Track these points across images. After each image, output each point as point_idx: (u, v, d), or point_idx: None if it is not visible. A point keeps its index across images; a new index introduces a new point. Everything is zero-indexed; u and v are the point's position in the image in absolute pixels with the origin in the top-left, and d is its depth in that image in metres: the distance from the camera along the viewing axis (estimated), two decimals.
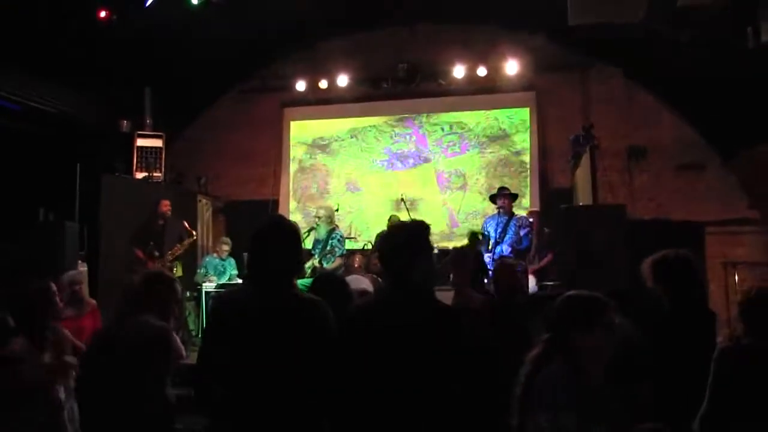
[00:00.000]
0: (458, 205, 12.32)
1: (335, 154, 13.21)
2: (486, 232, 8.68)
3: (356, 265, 10.23)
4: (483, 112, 12.48)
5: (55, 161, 10.22)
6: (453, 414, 2.96)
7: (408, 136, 12.89)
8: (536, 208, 11.00)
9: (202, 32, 10.28)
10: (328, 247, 8.68)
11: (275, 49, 12.18)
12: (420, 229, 3.27)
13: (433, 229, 3.50)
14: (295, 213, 13.12)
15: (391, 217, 11.07)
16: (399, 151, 12.86)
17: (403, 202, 10.15)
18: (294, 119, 13.49)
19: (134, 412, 3.63)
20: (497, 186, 9.87)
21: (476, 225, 9.61)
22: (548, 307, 3.16)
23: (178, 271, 9.49)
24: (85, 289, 6.60)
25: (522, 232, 8.50)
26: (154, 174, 11.43)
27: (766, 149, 9.64)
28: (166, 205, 9.70)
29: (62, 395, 4.19)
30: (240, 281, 10.01)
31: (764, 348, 3.29)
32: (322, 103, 13.15)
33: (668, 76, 10.50)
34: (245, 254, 9.78)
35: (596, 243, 7.22)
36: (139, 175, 11.42)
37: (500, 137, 12.35)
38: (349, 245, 9.55)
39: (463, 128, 12.57)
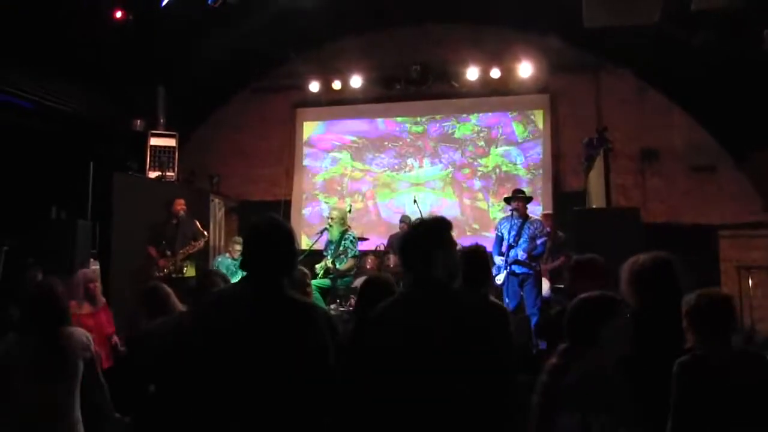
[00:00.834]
0: (472, 206, 12.30)
1: (351, 156, 13.23)
2: (500, 234, 8.67)
3: (369, 266, 10.25)
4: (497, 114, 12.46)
5: (68, 159, 10.26)
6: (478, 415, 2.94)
7: (420, 137, 12.89)
8: (549, 211, 10.97)
9: (215, 32, 10.30)
10: (341, 248, 8.70)
11: (288, 49, 12.18)
12: (440, 223, 3.24)
13: None
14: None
15: (403, 217, 11.09)
16: (412, 153, 12.84)
17: (416, 203, 10.14)
18: (306, 120, 13.50)
19: None
20: (509, 188, 9.88)
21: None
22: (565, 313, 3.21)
23: (189, 271, 9.50)
24: (99, 287, 6.64)
25: (538, 241, 8.48)
26: (167, 173, 11.46)
27: None
28: (180, 204, 9.69)
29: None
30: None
31: (717, 357, 3.21)
32: (335, 103, 13.17)
33: (681, 78, 10.47)
34: None
35: (609, 246, 7.19)
36: (152, 174, 11.45)
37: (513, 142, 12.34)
38: (361, 246, 9.58)
39: (475, 130, 12.55)
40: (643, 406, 3.09)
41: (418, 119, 12.89)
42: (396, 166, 12.95)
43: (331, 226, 8.86)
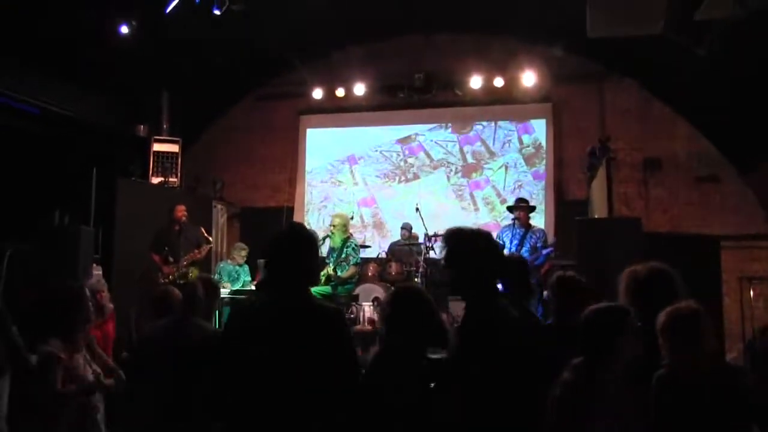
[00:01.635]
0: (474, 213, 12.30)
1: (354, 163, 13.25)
2: (501, 242, 8.66)
3: (370, 274, 10.24)
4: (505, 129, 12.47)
5: (71, 165, 10.28)
6: None
7: (423, 145, 12.91)
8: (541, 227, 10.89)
9: (220, 38, 10.32)
10: (343, 255, 8.72)
11: (292, 56, 12.19)
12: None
13: None
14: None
15: (404, 224, 11.08)
16: (414, 161, 12.86)
17: (418, 211, 10.14)
18: (310, 127, 13.50)
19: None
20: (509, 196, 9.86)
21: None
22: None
23: (193, 277, 9.50)
24: (106, 296, 6.64)
25: (544, 252, 8.47)
26: (170, 179, 11.49)
27: None
28: (181, 211, 9.69)
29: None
30: (253, 288, 10.01)
31: (687, 371, 3.21)
32: (339, 111, 13.17)
33: (685, 88, 10.46)
34: (259, 261, 9.85)
35: (611, 256, 7.19)
36: (155, 180, 11.48)
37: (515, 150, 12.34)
38: (363, 254, 9.57)
39: (478, 138, 12.55)
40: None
41: (422, 127, 12.87)
42: (398, 174, 12.94)
43: (333, 233, 8.87)
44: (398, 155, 12.98)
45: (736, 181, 10.91)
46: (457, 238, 3.29)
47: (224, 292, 9.82)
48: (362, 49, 12.52)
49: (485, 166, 12.47)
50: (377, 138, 13.14)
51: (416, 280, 9.79)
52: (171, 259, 9.44)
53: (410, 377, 3.20)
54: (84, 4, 8.94)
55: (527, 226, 8.63)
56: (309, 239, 3.14)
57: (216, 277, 10.42)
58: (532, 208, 8.91)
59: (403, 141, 12.97)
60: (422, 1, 11.10)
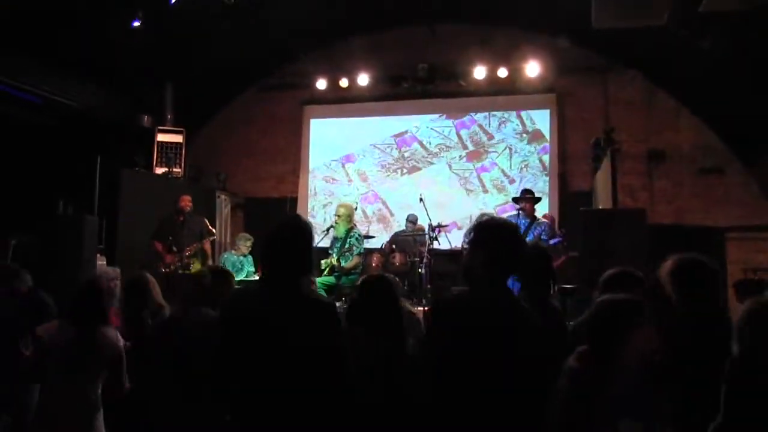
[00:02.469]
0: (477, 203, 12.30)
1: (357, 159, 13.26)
2: None
3: (374, 265, 10.23)
4: (504, 113, 12.46)
5: (75, 155, 10.28)
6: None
7: (416, 136, 12.94)
8: (549, 214, 10.90)
9: (224, 29, 10.31)
10: (347, 246, 8.72)
11: (296, 47, 12.18)
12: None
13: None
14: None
15: (409, 215, 11.09)
16: (418, 151, 12.86)
17: (421, 202, 10.12)
18: (314, 117, 13.50)
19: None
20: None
21: None
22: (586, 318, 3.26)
23: (196, 267, 9.51)
24: (118, 285, 6.66)
25: (552, 242, 8.47)
26: (174, 169, 11.49)
27: None
28: (185, 201, 9.70)
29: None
30: (258, 278, 10.03)
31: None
32: (342, 101, 13.17)
33: (689, 79, 10.45)
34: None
35: (616, 247, 7.19)
36: (159, 171, 11.50)
37: (521, 139, 12.34)
38: (367, 244, 9.57)
39: (482, 129, 12.54)
40: (684, 406, 3.14)
41: (426, 117, 12.87)
42: (399, 167, 12.96)
43: (337, 223, 8.87)
44: (394, 148, 13.00)
45: (741, 173, 10.90)
46: (483, 225, 3.24)
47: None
48: (366, 40, 12.49)
49: (490, 150, 12.47)
50: (375, 134, 13.15)
51: (420, 270, 9.80)
52: (174, 249, 9.45)
53: (375, 366, 3.25)
54: None
55: (532, 218, 8.62)
56: (303, 231, 3.13)
57: None
58: (538, 200, 8.90)
59: (398, 135, 13.00)
60: None
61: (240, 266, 10.33)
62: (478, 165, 12.51)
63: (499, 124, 12.48)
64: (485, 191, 12.42)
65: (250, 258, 10.54)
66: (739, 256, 10.18)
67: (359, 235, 8.98)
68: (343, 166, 13.29)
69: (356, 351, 3.28)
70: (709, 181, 11.08)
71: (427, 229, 10.01)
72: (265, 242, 3.17)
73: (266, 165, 13.52)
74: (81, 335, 4.17)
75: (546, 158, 12.10)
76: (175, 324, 4.23)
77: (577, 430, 3.05)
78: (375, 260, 10.37)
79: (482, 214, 3.22)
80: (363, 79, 12.45)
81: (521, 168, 12.23)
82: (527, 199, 8.70)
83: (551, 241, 8.52)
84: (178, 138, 11.78)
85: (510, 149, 12.35)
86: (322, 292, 8.07)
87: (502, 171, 12.37)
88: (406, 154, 12.93)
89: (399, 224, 12.16)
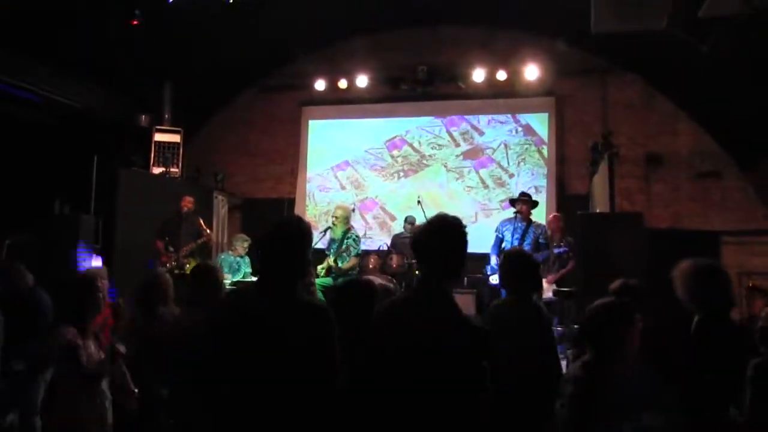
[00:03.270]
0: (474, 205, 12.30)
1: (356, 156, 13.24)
2: (501, 235, 8.66)
3: (371, 266, 10.24)
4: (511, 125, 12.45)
5: (72, 154, 10.28)
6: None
7: (405, 139, 12.94)
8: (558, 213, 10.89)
9: (223, 29, 10.31)
10: (344, 247, 8.73)
11: (295, 47, 12.18)
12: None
13: None
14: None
15: (407, 217, 11.08)
16: (417, 153, 12.85)
17: (419, 204, 10.12)
18: (313, 118, 13.49)
19: None
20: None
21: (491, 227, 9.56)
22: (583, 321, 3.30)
23: (190, 267, 9.51)
24: (106, 284, 6.67)
25: (557, 251, 8.48)
26: (171, 169, 11.49)
27: None
28: (185, 201, 9.73)
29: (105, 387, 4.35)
30: (254, 280, 10.01)
31: None
32: (341, 102, 13.16)
33: (688, 84, 10.46)
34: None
35: (613, 250, 7.21)
36: (157, 170, 11.48)
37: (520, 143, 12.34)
38: (364, 246, 9.58)
39: (480, 131, 12.54)
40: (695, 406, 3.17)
41: (424, 119, 12.86)
42: (395, 171, 12.95)
43: (335, 225, 8.88)
44: (386, 153, 13.00)
45: (737, 177, 10.92)
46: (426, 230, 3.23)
47: (225, 283, 9.83)
48: (365, 41, 12.49)
49: (484, 146, 12.48)
50: (372, 138, 13.13)
51: (417, 272, 9.79)
52: (171, 248, 9.47)
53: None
54: None
55: (528, 221, 8.62)
56: (301, 232, 3.12)
57: None
58: (535, 204, 8.88)
59: (389, 139, 13.02)
60: None
61: (237, 267, 10.31)
62: (475, 162, 12.50)
63: (489, 121, 12.49)
64: (485, 187, 12.38)
65: (247, 259, 10.52)
66: (735, 260, 10.19)
67: (356, 237, 8.99)
68: (336, 176, 13.28)
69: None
70: (706, 185, 11.08)
71: None
72: (261, 243, 3.16)
73: (264, 166, 13.51)
74: (83, 333, 4.21)
75: (545, 150, 12.10)
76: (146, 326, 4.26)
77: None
78: (372, 262, 10.38)
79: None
80: (362, 81, 12.44)
81: (519, 162, 12.22)
82: (524, 201, 8.69)
83: (556, 251, 8.52)
84: (175, 138, 11.77)
85: (505, 145, 12.35)
86: (320, 294, 8.07)
87: (500, 165, 12.35)
88: (399, 159, 12.91)
89: (401, 228, 12.17)
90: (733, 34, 7.55)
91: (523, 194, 8.95)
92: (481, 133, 12.53)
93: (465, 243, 3.10)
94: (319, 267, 8.67)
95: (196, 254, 9.72)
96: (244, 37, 10.78)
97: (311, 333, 2.94)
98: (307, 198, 13.34)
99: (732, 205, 10.88)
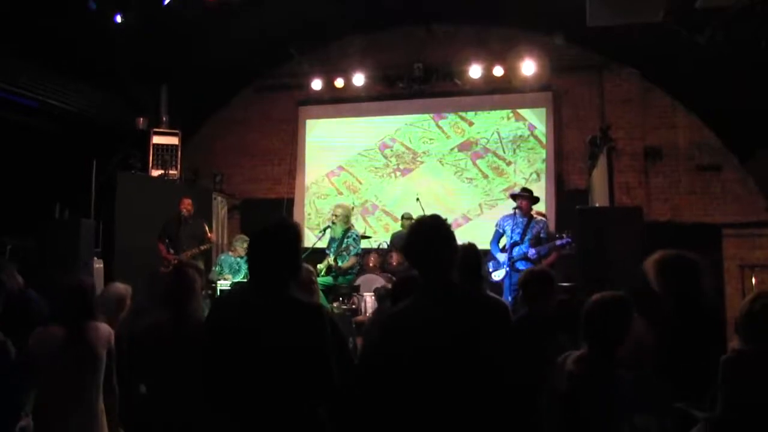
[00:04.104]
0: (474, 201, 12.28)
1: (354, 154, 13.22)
2: (501, 231, 8.64)
3: (371, 265, 10.24)
4: (501, 112, 12.43)
5: (71, 158, 10.26)
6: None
7: (395, 138, 12.92)
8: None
9: (219, 30, 10.31)
10: (344, 246, 8.72)
11: (291, 47, 12.17)
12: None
13: None
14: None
15: (404, 214, 11.06)
16: (414, 151, 12.83)
17: (418, 201, 10.12)
18: (309, 118, 13.48)
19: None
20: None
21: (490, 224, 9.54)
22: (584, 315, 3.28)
23: None
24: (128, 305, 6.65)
25: (559, 243, 8.44)
26: (170, 171, 11.48)
27: None
28: (183, 204, 9.74)
29: None
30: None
31: (761, 357, 3.24)
32: (338, 101, 13.14)
33: (686, 77, 10.44)
34: None
35: (612, 245, 7.21)
36: (155, 173, 11.47)
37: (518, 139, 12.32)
38: (364, 244, 9.57)
39: (478, 128, 12.53)
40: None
41: (431, 120, 12.81)
42: (393, 168, 12.92)
43: (334, 223, 8.88)
44: (379, 154, 12.97)
45: (737, 170, 10.90)
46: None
47: (225, 284, 9.84)
48: (361, 39, 12.47)
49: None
50: (369, 138, 13.09)
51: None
52: (171, 251, 9.49)
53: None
54: None
55: (529, 216, 8.60)
56: (289, 232, 3.13)
57: (217, 268, 10.44)
58: (536, 200, 8.84)
59: (404, 130, 12.92)
60: None
61: (237, 268, 10.31)
62: (470, 153, 12.47)
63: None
64: (485, 177, 12.34)
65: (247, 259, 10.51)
66: (736, 252, 10.20)
67: (356, 236, 8.99)
68: (331, 182, 13.26)
69: None
70: (705, 178, 11.07)
71: None
72: (249, 245, 3.19)
73: (263, 166, 13.50)
74: (71, 333, 4.20)
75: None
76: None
77: (587, 428, 3.07)
78: (372, 260, 10.38)
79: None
80: (359, 79, 12.40)
81: (514, 150, 12.20)
82: (524, 196, 8.67)
83: (558, 242, 8.47)
84: (173, 140, 11.75)
85: (498, 133, 12.33)
86: (321, 293, 8.07)
87: (496, 154, 12.33)
88: (392, 159, 12.89)
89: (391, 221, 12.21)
90: (730, 25, 7.54)
91: (524, 189, 8.94)
92: (471, 123, 12.53)
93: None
94: (320, 266, 8.67)
95: (198, 258, 9.71)
96: (240, 38, 10.77)
97: (301, 331, 2.94)
98: (308, 206, 13.29)
99: (732, 197, 10.86)
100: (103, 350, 4.27)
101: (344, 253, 8.73)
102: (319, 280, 8.47)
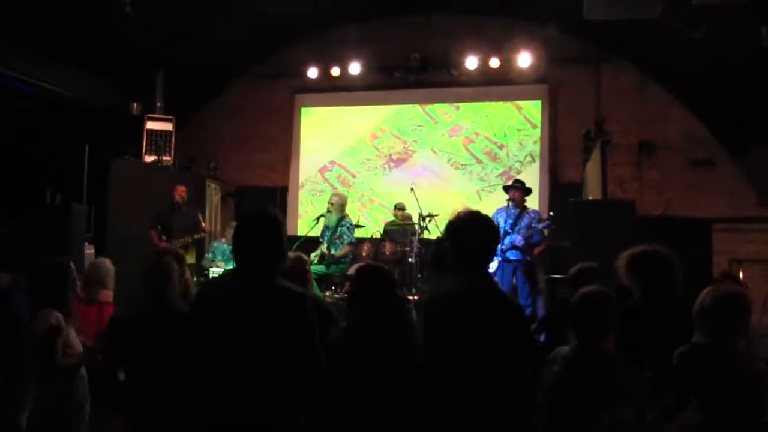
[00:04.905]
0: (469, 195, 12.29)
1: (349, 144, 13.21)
2: (495, 222, 8.63)
3: (364, 254, 10.23)
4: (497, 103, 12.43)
5: (64, 142, 10.21)
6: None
7: (420, 125, 12.88)
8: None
9: (215, 17, 10.26)
10: (337, 234, 8.73)
11: (288, 35, 12.14)
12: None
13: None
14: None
15: (396, 204, 11.05)
16: (410, 140, 12.83)
17: (412, 191, 10.10)
18: (305, 106, 13.46)
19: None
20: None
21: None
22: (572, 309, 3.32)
23: (189, 258, 9.47)
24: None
25: (541, 225, 8.48)
26: (164, 158, 11.43)
27: None
28: (177, 191, 9.69)
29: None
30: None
31: (716, 351, 3.28)
32: (334, 90, 13.12)
33: (681, 71, 10.47)
34: None
35: (604, 238, 7.22)
36: (149, 159, 11.41)
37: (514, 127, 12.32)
38: (358, 233, 9.56)
39: (474, 119, 12.53)
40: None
41: (417, 107, 12.83)
42: (385, 160, 12.94)
43: (330, 212, 8.88)
44: (392, 135, 12.95)
45: (729, 165, 10.96)
46: (455, 220, 3.49)
47: (218, 271, 9.84)
48: (358, 28, 12.40)
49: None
50: (371, 117, 13.10)
51: (410, 260, 9.79)
52: (164, 238, 9.45)
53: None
54: None
55: (522, 207, 8.63)
56: (273, 221, 3.15)
57: (210, 255, 10.44)
58: (528, 191, 8.88)
59: (399, 120, 12.94)
60: None
61: (230, 255, 10.28)
62: (462, 138, 12.50)
63: (492, 122, 12.42)
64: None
65: None
66: (726, 247, 10.21)
67: (350, 225, 9.00)
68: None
69: None
70: (698, 173, 11.12)
71: (417, 219, 9.98)
72: (234, 233, 3.24)
73: (257, 154, 13.47)
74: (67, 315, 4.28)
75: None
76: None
77: (571, 417, 3.10)
78: (365, 249, 10.36)
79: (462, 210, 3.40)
80: (355, 68, 12.39)
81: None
82: (517, 188, 8.70)
83: (540, 225, 8.51)
84: (168, 126, 11.69)
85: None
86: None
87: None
88: (384, 150, 12.91)
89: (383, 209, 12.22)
90: (726, 22, 7.55)
91: (516, 181, 8.96)
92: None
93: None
94: (312, 254, 8.66)
95: (191, 247, 9.68)
96: (237, 25, 10.72)
97: (287, 318, 2.98)
98: (305, 204, 13.30)
99: (724, 192, 10.91)
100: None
101: (337, 241, 8.74)
102: (313, 268, 8.51)
